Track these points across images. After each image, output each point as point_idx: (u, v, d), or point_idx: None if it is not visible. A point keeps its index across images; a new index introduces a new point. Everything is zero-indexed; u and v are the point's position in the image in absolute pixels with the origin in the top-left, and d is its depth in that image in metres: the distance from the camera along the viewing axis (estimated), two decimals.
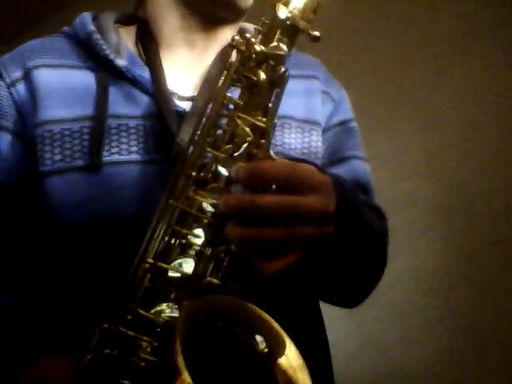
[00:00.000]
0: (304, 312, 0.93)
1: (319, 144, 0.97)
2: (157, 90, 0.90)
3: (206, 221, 0.72)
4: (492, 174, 2.15)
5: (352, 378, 2.14)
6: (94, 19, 0.98)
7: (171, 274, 0.71)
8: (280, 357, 0.69)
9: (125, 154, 0.87)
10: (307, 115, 0.97)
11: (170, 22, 0.97)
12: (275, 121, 0.76)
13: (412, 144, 2.29)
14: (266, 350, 0.70)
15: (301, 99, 0.98)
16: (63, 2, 2.77)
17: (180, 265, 0.71)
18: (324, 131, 0.99)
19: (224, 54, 0.79)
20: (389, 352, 2.21)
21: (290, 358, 0.69)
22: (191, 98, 0.91)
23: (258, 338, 0.70)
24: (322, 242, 0.76)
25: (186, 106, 0.90)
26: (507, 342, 2.02)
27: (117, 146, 0.87)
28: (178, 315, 0.69)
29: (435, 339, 2.14)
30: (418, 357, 2.16)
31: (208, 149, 0.74)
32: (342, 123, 1.03)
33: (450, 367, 2.10)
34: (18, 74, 0.92)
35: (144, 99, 0.90)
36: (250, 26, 1.00)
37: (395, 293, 2.16)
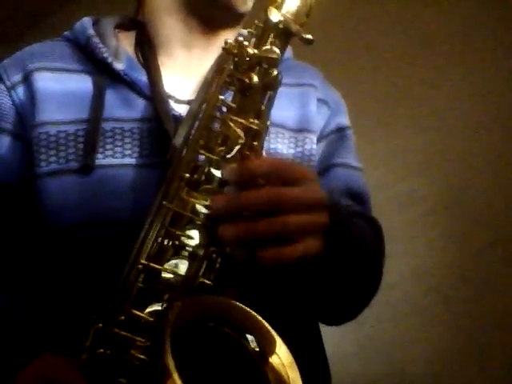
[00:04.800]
0: (298, 312, 0.92)
1: (313, 152, 0.96)
2: (154, 94, 0.91)
3: (199, 222, 0.72)
4: (492, 174, 2.15)
5: (352, 378, 2.15)
6: (95, 24, 0.98)
7: (164, 274, 0.72)
8: (271, 355, 0.70)
9: (119, 156, 0.87)
10: (301, 124, 0.97)
11: (168, 25, 0.97)
12: (268, 123, 0.76)
13: (412, 144, 2.29)
14: (257, 349, 0.71)
15: (295, 107, 0.98)
16: (63, 2, 2.77)
17: (173, 266, 0.72)
18: (320, 139, 0.99)
19: (221, 58, 0.79)
20: (389, 352, 2.21)
21: (281, 356, 0.70)
22: (188, 102, 0.92)
23: (249, 337, 0.71)
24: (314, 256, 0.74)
25: (182, 109, 0.91)
26: (507, 342, 2.02)
27: (111, 149, 0.88)
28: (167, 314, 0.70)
29: (435, 339, 2.14)
30: (418, 357, 2.16)
31: (201, 151, 0.74)
32: (338, 130, 1.02)
33: (450, 367, 2.10)
34: (17, 77, 0.93)
35: (141, 103, 0.91)
36: (245, 32, 1.01)
37: (395, 293, 2.16)
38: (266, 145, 0.82)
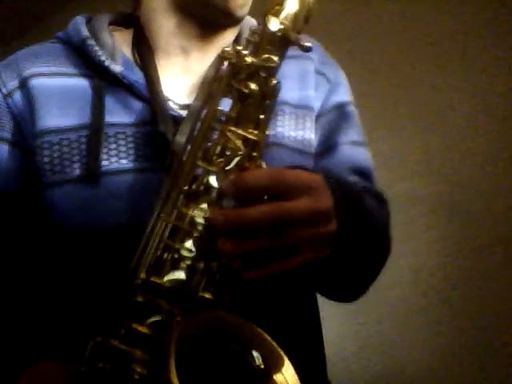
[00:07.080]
0: (301, 314, 0.92)
1: (312, 136, 0.95)
2: (152, 96, 0.89)
3: (197, 235, 0.71)
4: (492, 174, 2.14)
5: (352, 378, 2.15)
6: (88, 22, 0.96)
7: (164, 287, 0.71)
8: (276, 373, 0.69)
9: (124, 162, 0.86)
10: (301, 100, 0.96)
11: (165, 28, 0.96)
12: (267, 133, 0.75)
13: (412, 144, 2.28)
14: (262, 366, 0.70)
15: (294, 82, 0.96)
16: (63, 2, 2.76)
17: (172, 279, 0.71)
18: (319, 116, 0.97)
19: (218, 65, 0.78)
20: (389, 352, 2.21)
21: (285, 374, 0.69)
22: (186, 106, 0.91)
23: (254, 353, 0.70)
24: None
25: (181, 112, 0.89)
26: (507, 342, 2.02)
27: (116, 155, 0.87)
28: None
29: (435, 339, 2.14)
30: (417, 357, 2.16)
31: (200, 163, 0.73)
32: (339, 107, 1.00)
33: (450, 367, 2.10)
34: (13, 83, 0.91)
35: (140, 106, 0.90)
36: (253, 21, 0.99)
37: (395, 293, 2.16)
38: None
